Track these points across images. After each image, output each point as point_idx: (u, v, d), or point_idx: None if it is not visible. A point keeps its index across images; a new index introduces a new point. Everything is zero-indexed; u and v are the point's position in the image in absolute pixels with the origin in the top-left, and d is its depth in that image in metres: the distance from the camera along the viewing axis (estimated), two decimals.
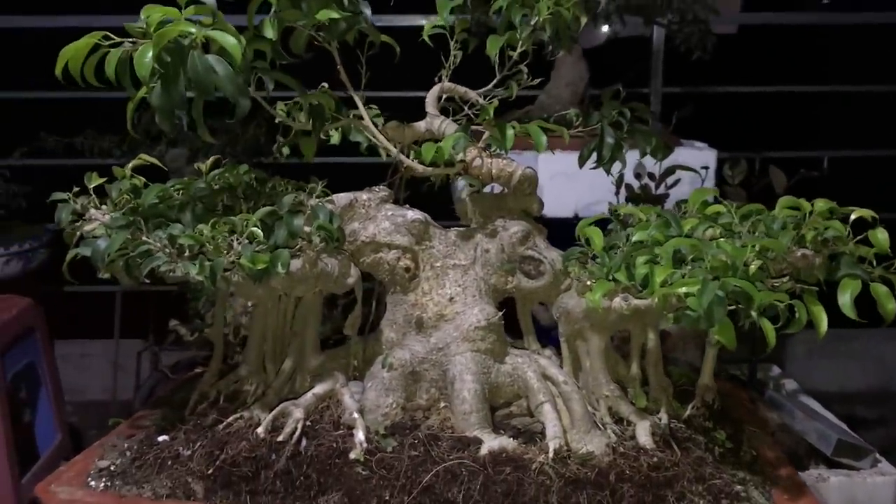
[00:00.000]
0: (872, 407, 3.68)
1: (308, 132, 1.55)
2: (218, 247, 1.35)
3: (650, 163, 2.12)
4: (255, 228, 1.37)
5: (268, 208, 1.42)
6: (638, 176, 2.45)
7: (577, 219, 2.42)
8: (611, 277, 1.36)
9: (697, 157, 2.65)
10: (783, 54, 3.76)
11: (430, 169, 1.52)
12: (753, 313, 1.20)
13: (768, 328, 1.21)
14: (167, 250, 1.34)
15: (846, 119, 3.75)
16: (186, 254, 1.35)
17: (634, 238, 1.37)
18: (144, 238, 1.36)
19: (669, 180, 2.44)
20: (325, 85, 1.54)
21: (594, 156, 1.65)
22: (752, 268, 1.26)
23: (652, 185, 2.46)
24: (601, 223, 1.51)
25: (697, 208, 1.48)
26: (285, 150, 1.64)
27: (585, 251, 1.44)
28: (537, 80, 1.60)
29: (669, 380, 1.55)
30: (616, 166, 1.66)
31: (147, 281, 1.37)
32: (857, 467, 2.21)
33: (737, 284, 1.20)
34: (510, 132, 1.49)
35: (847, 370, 3.81)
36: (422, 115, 1.61)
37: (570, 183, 2.48)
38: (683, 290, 1.23)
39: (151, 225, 1.41)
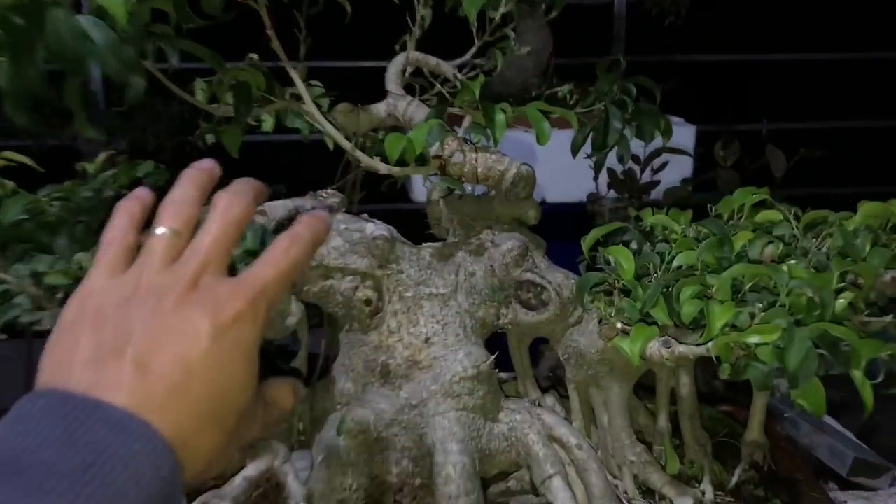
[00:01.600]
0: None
1: (231, 118, 1.16)
2: None
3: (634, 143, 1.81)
4: None
5: None
6: (621, 159, 2.11)
7: (545, 205, 2.10)
8: (645, 315, 1.01)
9: (676, 133, 2.35)
10: (740, 16, 3.49)
11: (396, 168, 1.12)
12: (857, 373, 0.88)
13: (867, 391, 0.90)
14: (30, 292, 0.96)
15: (832, 87, 3.49)
16: (59, 296, 0.96)
17: (678, 262, 1.03)
18: (1, 275, 0.97)
19: (655, 163, 2.11)
20: (254, 56, 1.17)
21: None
22: (842, 303, 0.94)
23: (637, 168, 2.12)
24: (616, 233, 1.17)
25: (746, 214, 1.14)
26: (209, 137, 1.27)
27: (606, 277, 1.09)
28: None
29: (706, 433, 1.22)
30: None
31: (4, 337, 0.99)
32: (874, 487, 1.96)
33: (836, 333, 0.87)
34: (500, 117, 1.12)
35: None
36: (380, 90, 1.24)
37: (539, 165, 2.15)
38: (756, 339, 0.90)
39: (11, 254, 1.01)
